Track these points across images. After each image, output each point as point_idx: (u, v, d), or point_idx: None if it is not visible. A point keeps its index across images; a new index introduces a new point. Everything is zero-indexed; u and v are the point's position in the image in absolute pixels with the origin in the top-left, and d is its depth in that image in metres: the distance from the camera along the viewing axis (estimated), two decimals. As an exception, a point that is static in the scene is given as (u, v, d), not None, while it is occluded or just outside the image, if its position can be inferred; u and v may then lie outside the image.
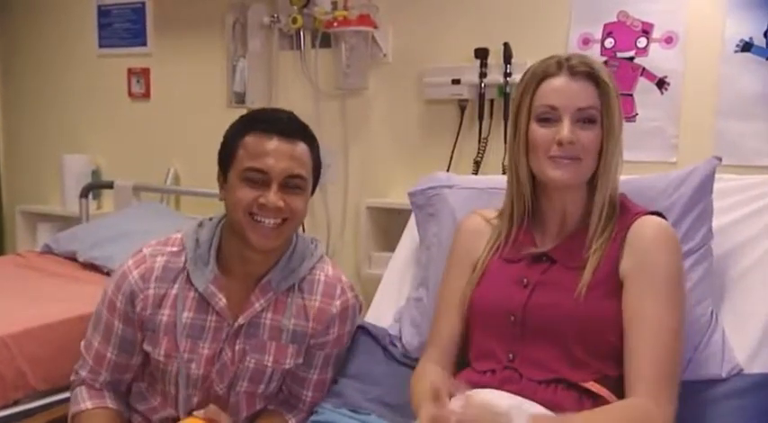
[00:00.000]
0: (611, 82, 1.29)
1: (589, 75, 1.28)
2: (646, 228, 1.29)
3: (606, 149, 1.29)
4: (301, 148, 1.43)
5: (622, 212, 1.32)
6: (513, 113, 1.35)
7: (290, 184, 1.40)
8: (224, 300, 1.45)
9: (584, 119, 1.28)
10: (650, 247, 1.27)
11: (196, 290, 1.46)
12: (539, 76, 1.30)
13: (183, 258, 1.48)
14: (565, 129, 1.26)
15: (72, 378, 1.57)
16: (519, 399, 1.23)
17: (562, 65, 1.29)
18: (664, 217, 1.34)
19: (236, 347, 1.46)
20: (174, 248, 1.50)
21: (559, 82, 1.28)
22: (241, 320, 1.46)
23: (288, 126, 1.43)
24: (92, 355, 1.53)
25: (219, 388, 1.48)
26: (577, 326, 1.25)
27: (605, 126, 1.28)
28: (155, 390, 1.53)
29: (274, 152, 1.39)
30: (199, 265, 1.47)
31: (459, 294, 1.41)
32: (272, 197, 1.38)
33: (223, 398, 1.48)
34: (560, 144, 1.26)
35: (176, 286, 1.47)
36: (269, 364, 1.48)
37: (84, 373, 1.53)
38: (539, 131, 1.29)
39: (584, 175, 1.30)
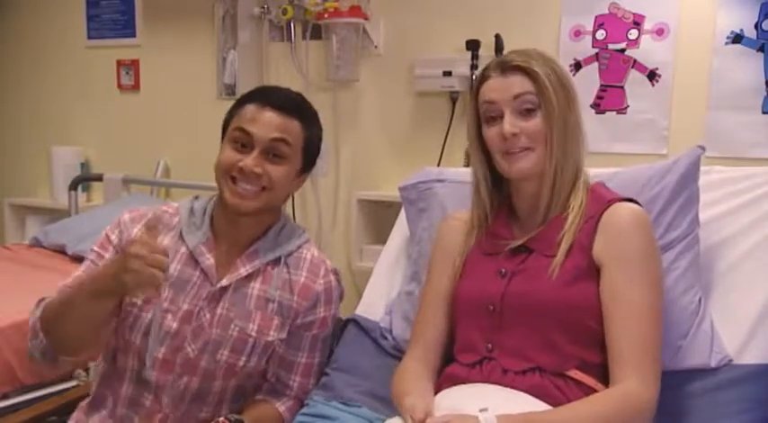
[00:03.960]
0: (542, 70, 1.30)
1: (519, 67, 1.30)
2: (618, 213, 1.30)
3: (551, 137, 1.30)
4: (293, 122, 1.45)
5: (595, 199, 1.33)
6: (467, 117, 1.40)
7: (273, 152, 1.43)
8: (212, 260, 1.48)
9: (523, 109, 1.30)
10: (624, 231, 1.28)
11: (187, 247, 1.48)
12: (479, 78, 1.36)
13: (176, 219, 1.52)
14: (505, 123, 1.29)
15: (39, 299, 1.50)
16: (501, 392, 1.24)
17: (498, 64, 1.33)
18: (638, 204, 1.35)
19: (217, 311, 1.47)
20: (169, 210, 1.55)
21: (494, 80, 1.32)
22: (225, 282, 1.47)
23: (285, 102, 1.46)
24: (69, 280, 1.49)
25: (191, 349, 1.46)
26: (555, 312, 1.26)
27: (544, 113, 1.30)
28: (126, 355, 1.48)
29: (263, 120, 1.43)
30: (192, 229, 1.50)
31: (440, 292, 1.43)
32: (250, 161, 1.40)
33: (192, 361, 1.46)
34: (505, 138, 1.30)
35: (166, 240, 1.49)
36: (252, 334, 1.48)
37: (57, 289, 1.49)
38: (487, 131, 1.34)
39: (540, 164, 1.31)
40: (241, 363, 1.49)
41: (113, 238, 1.52)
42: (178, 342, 1.46)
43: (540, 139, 1.30)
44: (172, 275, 1.46)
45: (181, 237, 1.50)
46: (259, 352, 1.50)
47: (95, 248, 1.54)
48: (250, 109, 1.45)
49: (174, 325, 1.45)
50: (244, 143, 1.42)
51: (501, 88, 1.31)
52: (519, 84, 1.30)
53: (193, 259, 1.48)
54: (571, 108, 1.32)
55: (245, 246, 1.50)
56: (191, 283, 1.47)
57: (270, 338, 1.49)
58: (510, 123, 1.29)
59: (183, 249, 1.49)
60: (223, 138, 1.49)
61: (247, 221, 1.49)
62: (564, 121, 1.30)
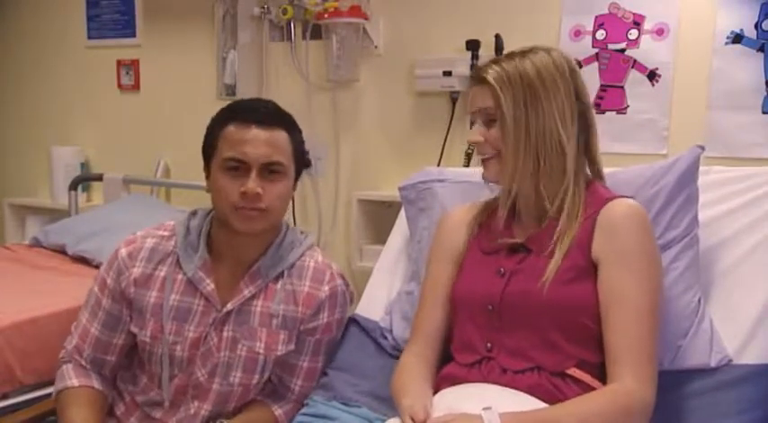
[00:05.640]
0: (498, 79, 1.31)
1: (483, 80, 1.33)
2: (616, 210, 1.30)
3: (505, 145, 1.31)
4: (280, 134, 1.45)
5: (594, 198, 1.34)
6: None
7: (270, 171, 1.43)
8: (212, 285, 1.47)
9: (486, 120, 1.34)
10: (622, 227, 1.28)
11: (185, 273, 1.48)
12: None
13: (172, 243, 1.51)
14: (472, 132, 1.37)
15: (60, 355, 1.58)
16: (499, 391, 1.24)
17: (474, 72, 1.41)
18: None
19: (224, 334, 1.47)
20: (165, 233, 1.54)
21: (473, 88, 1.37)
22: (230, 306, 1.47)
23: (266, 114, 1.46)
24: (79, 330, 1.55)
25: (201, 374, 1.48)
26: (552, 312, 1.26)
27: (500, 123, 1.31)
28: (143, 370, 1.54)
29: (252, 141, 1.42)
30: (189, 252, 1.49)
31: (439, 287, 1.43)
32: (251, 184, 1.40)
33: (203, 386, 1.48)
34: (471, 144, 1.40)
35: (165, 269, 1.49)
36: (261, 352, 1.48)
37: (69, 348, 1.56)
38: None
39: (503, 171, 1.33)
40: (255, 381, 1.50)
41: (109, 281, 1.53)
42: (191, 368, 1.48)
43: (499, 146, 1.32)
44: (172, 307, 1.47)
45: (178, 263, 1.49)
46: (271, 367, 1.52)
47: (96, 290, 1.55)
48: (233, 131, 1.43)
49: (185, 354, 1.47)
50: (238, 168, 1.42)
51: (474, 99, 1.36)
52: (482, 96, 1.33)
53: (193, 285, 1.48)
54: (539, 112, 1.30)
55: (246, 264, 1.50)
56: (192, 312, 1.48)
57: (279, 353, 1.50)
58: (474, 132, 1.35)
59: (181, 276, 1.48)
60: (208, 159, 1.47)
61: (250, 240, 1.48)
62: (523, 128, 1.30)
